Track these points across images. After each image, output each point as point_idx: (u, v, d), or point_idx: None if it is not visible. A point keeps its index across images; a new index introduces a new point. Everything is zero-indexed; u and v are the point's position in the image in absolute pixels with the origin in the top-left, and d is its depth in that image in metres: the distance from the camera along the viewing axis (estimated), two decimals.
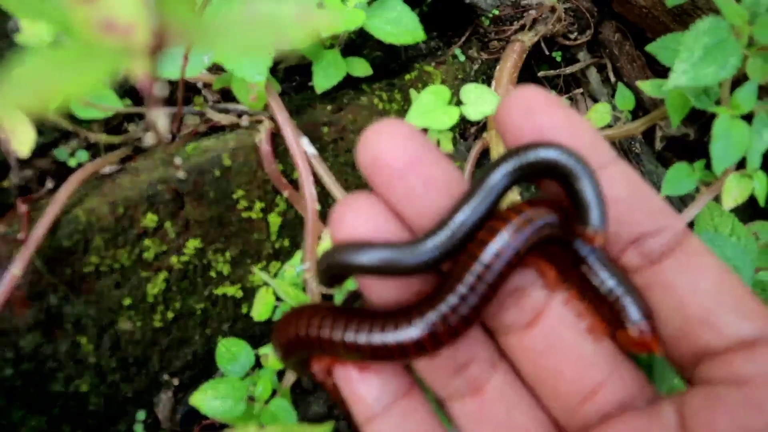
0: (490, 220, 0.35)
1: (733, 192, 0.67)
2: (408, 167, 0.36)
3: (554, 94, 0.95)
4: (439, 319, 0.34)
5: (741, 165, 0.71)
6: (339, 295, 0.67)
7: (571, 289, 0.37)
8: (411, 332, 0.35)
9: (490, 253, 0.34)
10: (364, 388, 0.38)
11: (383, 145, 0.36)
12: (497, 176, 0.35)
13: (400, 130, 0.36)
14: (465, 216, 0.34)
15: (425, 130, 0.82)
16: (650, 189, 0.37)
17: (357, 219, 0.36)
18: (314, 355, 0.40)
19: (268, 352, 0.73)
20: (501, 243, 0.34)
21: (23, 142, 0.60)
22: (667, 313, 0.34)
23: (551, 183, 0.37)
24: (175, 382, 0.78)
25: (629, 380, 0.36)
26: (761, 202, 0.69)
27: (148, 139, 0.30)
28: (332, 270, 0.37)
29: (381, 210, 0.37)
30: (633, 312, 0.34)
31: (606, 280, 0.34)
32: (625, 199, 0.35)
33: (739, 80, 0.74)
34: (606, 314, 0.35)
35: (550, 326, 0.37)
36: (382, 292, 0.38)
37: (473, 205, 0.35)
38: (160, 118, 0.23)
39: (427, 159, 0.36)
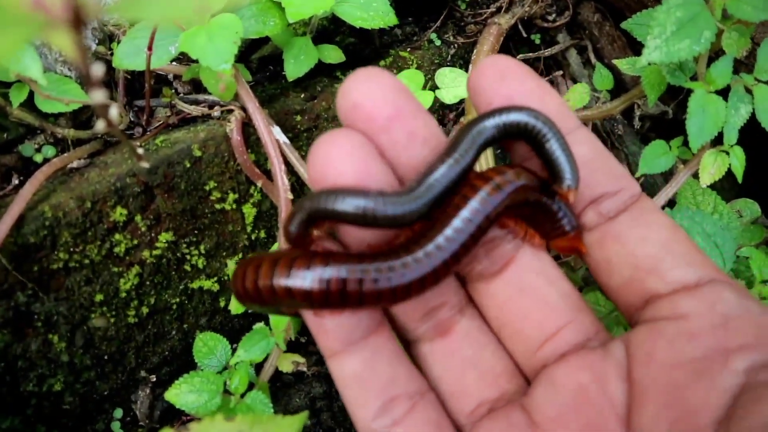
0: (472, 178, 0.36)
1: (710, 168, 0.66)
2: (392, 120, 0.36)
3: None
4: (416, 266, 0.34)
5: (720, 141, 0.70)
6: None
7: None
8: (393, 280, 0.33)
9: (471, 208, 0.35)
10: (332, 324, 0.37)
11: (366, 94, 0.35)
12: (472, 136, 0.36)
13: (384, 80, 0.36)
14: (443, 173, 0.35)
15: None
16: (610, 154, 0.39)
17: (339, 157, 0.34)
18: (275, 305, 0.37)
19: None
20: (481, 200, 0.35)
21: None
22: (618, 263, 0.37)
23: (522, 151, 0.39)
24: (153, 378, 0.77)
25: (587, 325, 0.38)
26: (739, 177, 0.68)
27: (100, 126, 0.29)
28: (311, 218, 0.35)
29: (365, 148, 0.35)
30: (566, 222, 0.38)
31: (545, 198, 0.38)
32: (587, 162, 0.37)
33: (717, 56, 0.73)
34: (543, 227, 0.39)
35: (518, 273, 0.39)
36: (360, 237, 0.38)
37: (451, 163, 0.36)
38: (98, 95, 0.22)
39: (409, 112, 0.36)
